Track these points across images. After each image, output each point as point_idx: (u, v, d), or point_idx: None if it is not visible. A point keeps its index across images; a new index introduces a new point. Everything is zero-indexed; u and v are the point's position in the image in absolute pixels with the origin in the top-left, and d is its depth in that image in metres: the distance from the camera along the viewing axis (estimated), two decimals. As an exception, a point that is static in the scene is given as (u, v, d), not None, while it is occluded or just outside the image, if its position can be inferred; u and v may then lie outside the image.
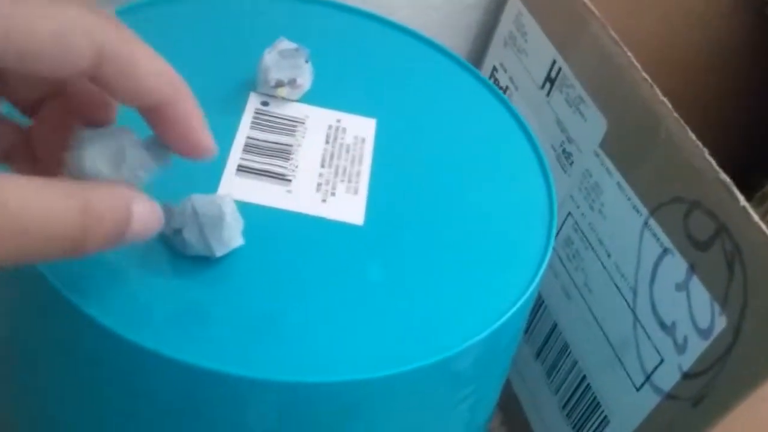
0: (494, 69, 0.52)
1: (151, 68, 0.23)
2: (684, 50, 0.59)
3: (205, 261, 0.28)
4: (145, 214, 0.23)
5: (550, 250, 0.32)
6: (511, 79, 0.50)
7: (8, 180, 0.20)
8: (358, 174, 0.32)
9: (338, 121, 0.34)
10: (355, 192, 0.32)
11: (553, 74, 0.46)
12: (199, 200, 0.27)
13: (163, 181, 0.30)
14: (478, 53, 0.55)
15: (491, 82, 0.52)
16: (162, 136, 0.25)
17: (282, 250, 0.29)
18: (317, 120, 0.34)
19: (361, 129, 0.34)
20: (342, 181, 0.32)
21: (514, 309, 0.30)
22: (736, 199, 0.34)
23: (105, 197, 0.22)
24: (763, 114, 0.65)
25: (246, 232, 0.29)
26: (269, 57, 0.33)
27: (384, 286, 0.29)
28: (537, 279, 0.31)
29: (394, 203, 0.32)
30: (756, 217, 0.33)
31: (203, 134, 0.25)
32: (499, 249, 0.32)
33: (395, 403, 0.29)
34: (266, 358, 0.26)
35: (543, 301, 0.48)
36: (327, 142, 0.33)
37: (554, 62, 0.46)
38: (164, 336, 0.26)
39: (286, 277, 0.29)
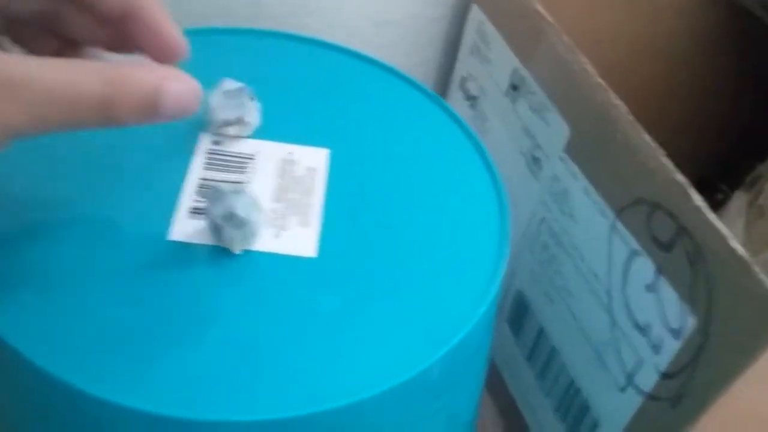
0: (463, 78, 0.52)
1: None
2: (655, 43, 0.59)
3: (156, 301, 0.29)
4: (177, 92, 0.25)
5: (504, 263, 0.32)
6: (479, 87, 0.50)
7: (50, 67, 0.23)
8: (310, 206, 0.33)
9: (290, 153, 0.35)
10: (308, 224, 0.32)
11: (516, 82, 0.46)
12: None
13: (115, 221, 0.31)
14: (448, 64, 0.55)
15: (460, 92, 0.53)
16: (137, 39, 0.28)
17: (237, 289, 0.30)
18: (269, 154, 0.35)
19: (313, 160, 0.35)
20: (294, 214, 0.33)
21: (474, 320, 0.30)
22: (692, 200, 0.34)
23: (133, 72, 0.25)
24: (740, 103, 0.65)
25: (199, 273, 0.30)
26: (214, 98, 0.34)
27: (342, 314, 0.30)
28: (493, 290, 0.32)
29: (347, 232, 0.33)
30: (712, 216, 0.33)
31: (174, 31, 0.28)
32: (455, 266, 0.33)
33: (371, 426, 0.30)
34: (233, 399, 0.27)
35: (529, 306, 0.48)
36: (279, 176, 0.34)
37: (516, 70, 0.46)
38: (119, 384, 0.26)
39: (243, 315, 0.29)
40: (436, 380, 0.30)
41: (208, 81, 0.35)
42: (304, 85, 0.39)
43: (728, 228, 0.60)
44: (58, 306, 0.28)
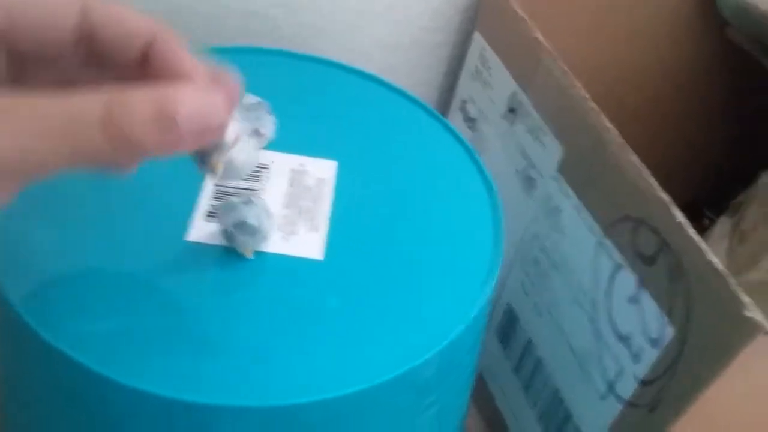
0: (464, 101, 0.55)
1: (131, 10, 0.25)
2: (650, 73, 0.62)
3: (174, 296, 0.31)
4: (194, 102, 0.22)
5: (497, 270, 0.35)
6: (479, 110, 0.53)
7: (45, 94, 0.21)
8: (319, 213, 0.36)
9: (301, 165, 0.38)
10: (316, 230, 0.35)
11: (514, 105, 0.49)
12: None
13: (133, 226, 0.33)
14: (450, 86, 0.58)
15: (460, 114, 0.55)
16: (158, 74, 0.25)
17: (249, 287, 0.32)
18: (281, 165, 0.37)
19: (323, 171, 0.37)
20: (303, 220, 0.35)
21: (466, 322, 0.33)
22: (674, 216, 0.37)
23: (139, 90, 0.22)
24: (727, 133, 0.68)
25: (214, 272, 0.32)
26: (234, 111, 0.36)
27: (343, 312, 0.32)
28: (486, 293, 0.34)
29: (352, 237, 0.35)
30: (693, 232, 0.36)
31: (194, 62, 0.25)
32: (451, 271, 0.35)
33: (367, 416, 0.32)
34: (240, 386, 0.29)
35: (518, 318, 0.51)
36: (290, 185, 0.37)
37: (515, 93, 0.49)
38: (138, 369, 0.28)
39: (254, 310, 0.32)
40: (428, 377, 0.33)
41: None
42: (315, 102, 0.41)
43: (712, 252, 0.62)
44: (88, 304, 0.30)
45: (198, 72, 0.25)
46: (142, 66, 0.25)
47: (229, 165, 0.26)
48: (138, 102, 0.22)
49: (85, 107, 0.21)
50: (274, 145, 0.38)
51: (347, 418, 0.31)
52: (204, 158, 0.26)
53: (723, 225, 0.61)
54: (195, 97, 0.23)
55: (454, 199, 0.38)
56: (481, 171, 0.39)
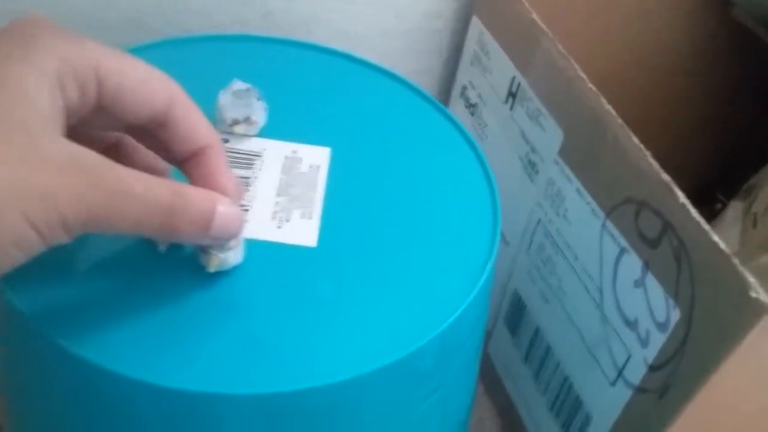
0: (464, 87, 0.54)
1: (203, 117, 0.29)
2: (652, 56, 0.61)
3: (167, 285, 0.31)
4: (226, 215, 0.28)
5: (494, 256, 0.34)
6: (479, 95, 0.52)
7: (127, 170, 0.26)
8: (312, 200, 0.35)
9: (294, 151, 0.37)
10: (309, 217, 0.34)
11: (514, 89, 0.48)
12: None
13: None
14: (451, 73, 0.57)
15: (461, 100, 0.55)
16: (194, 178, 0.30)
17: (242, 275, 0.32)
18: (274, 152, 0.37)
19: (316, 158, 0.37)
20: (297, 207, 0.35)
21: (463, 307, 0.32)
22: (677, 197, 0.36)
23: (195, 191, 0.28)
24: (736, 116, 0.66)
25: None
26: (223, 98, 0.36)
27: (338, 299, 0.32)
28: (483, 278, 0.33)
29: (346, 224, 0.34)
30: (695, 212, 0.35)
31: (230, 178, 0.30)
32: (448, 257, 0.34)
33: (365, 403, 0.31)
34: (235, 374, 0.29)
35: (525, 306, 0.50)
36: (283, 172, 0.36)
37: (514, 78, 0.48)
38: (132, 359, 0.28)
39: (248, 298, 0.31)
40: (426, 363, 0.32)
41: (220, 83, 0.37)
42: (309, 89, 0.41)
43: (724, 236, 0.62)
44: (79, 294, 0.30)
45: (232, 186, 0.30)
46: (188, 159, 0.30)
47: (223, 263, 0.30)
48: (192, 204, 0.27)
49: (159, 194, 0.26)
50: (266, 132, 0.38)
51: (344, 405, 0.31)
52: (205, 250, 0.30)
53: (735, 209, 0.60)
54: (226, 212, 0.28)
55: (450, 184, 0.37)
56: (478, 156, 0.39)
